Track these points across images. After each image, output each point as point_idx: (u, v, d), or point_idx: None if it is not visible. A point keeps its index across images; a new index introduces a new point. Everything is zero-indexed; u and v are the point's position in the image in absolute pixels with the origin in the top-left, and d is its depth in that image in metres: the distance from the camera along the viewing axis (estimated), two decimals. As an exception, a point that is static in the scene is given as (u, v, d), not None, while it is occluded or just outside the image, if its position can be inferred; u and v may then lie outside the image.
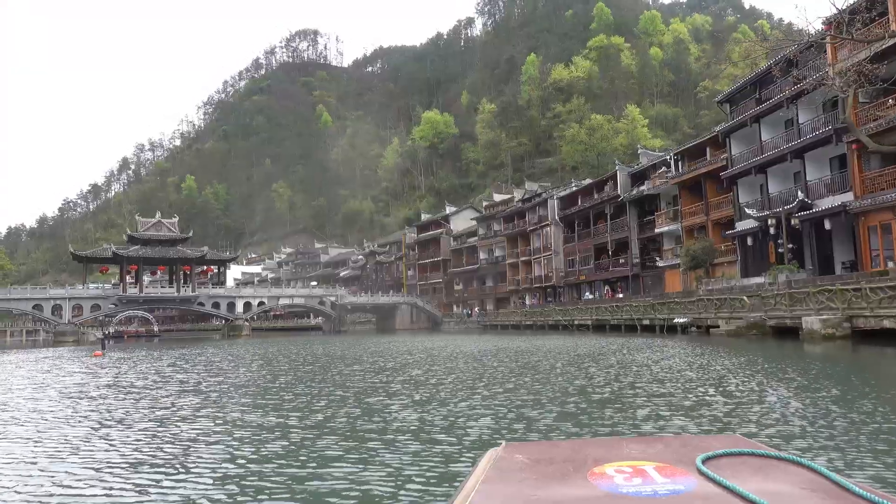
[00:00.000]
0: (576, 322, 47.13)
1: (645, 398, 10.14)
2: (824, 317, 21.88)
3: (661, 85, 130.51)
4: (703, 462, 1.41)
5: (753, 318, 27.11)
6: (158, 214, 71.16)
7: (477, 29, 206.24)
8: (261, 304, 71.16)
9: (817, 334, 21.73)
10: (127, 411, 10.48)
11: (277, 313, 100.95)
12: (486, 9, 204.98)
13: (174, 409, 10.70)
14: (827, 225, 28.99)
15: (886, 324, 19.90)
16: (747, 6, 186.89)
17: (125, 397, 12.54)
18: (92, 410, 10.78)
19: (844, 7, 21.25)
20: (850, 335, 21.40)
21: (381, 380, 14.36)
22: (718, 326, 28.83)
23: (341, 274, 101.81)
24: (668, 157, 44.06)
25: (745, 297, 28.43)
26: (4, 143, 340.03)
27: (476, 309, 69.77)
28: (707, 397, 10.11)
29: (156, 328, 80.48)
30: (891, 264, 22.76)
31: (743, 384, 11.61)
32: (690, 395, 10.31)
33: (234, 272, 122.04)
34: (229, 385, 14.42)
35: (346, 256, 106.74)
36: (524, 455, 1.57)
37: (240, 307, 68.42)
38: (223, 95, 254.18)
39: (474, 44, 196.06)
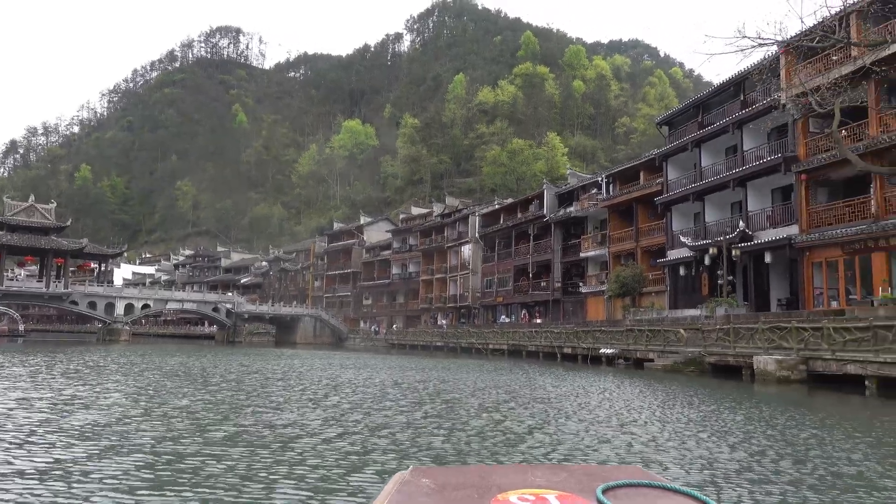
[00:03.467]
0: (491, 346, 44.13)
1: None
2: (779, 357, 19.54)
3: (581, 117, 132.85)
4: (603, 492, 1.40)
5: (691, 354, 24.72)
6: (32, 198, 62.88)
7: (405, 45, 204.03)
8: (145, 307, 64.03)
9: (771, 376, 19.35)
10: None
11: (168, 318, 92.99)
12: (415, 27, 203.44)
13: None
14: (767, 258, 27.23)
15: (850, 369, 17.68)
16: (662, 54, 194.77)
17: None
18: None
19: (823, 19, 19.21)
20: (806, 378, 19.14)
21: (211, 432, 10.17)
22: (653, 360, 26.31)
23: (242, 280, 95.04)
24: (599, 179, 42.09)
25: (681, 330, 26.08)
26: None
27: (394, 326, 65.66)
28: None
29: (21, 327, 71.61)
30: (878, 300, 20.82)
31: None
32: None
33: (124, 272, 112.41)
34: None
35: (250, 262, 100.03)
36: (431, 480, 1.55)
37: (120, 309, 61.13)
38: (131, 85, 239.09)
39: (401, 59, 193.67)
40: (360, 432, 9.30)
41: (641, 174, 38.34)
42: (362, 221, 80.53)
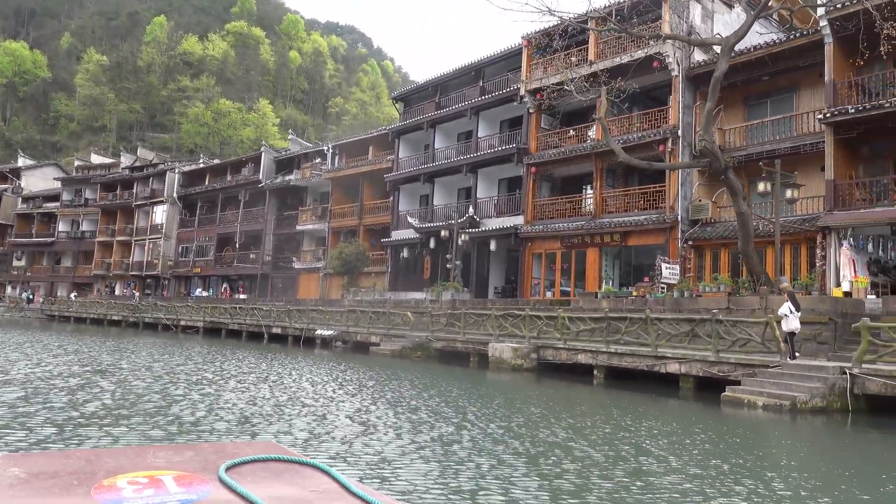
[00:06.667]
0: (183, 323, 38.46)
1: None
2: (515, 345, 19.21)
3: (295, 90, 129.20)
4: (227, 469, 1.36)
5: (418, 338, 23.58)
6: None
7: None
8: None
9: (506, 363, 18.89)
10: None
11: None
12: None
13: None
14: (493, 246, 27.58)
15: (581, 358, 17.95)
16: (376, 46, 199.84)
17: None
18: None
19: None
20: (537, 367, 19.10)
21: None
22: (378, 344, 24.60)
23: None
24: (325, 149, 39.36)
25: (408, 314, 24.85)
26: None
27: (72, 295, 53.84)
28: None
29: None
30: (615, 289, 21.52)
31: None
32: None
33: None
34: None
35: None
36: (22, 468, 1.33)
37: None
38: None
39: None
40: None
41: (371, 149, 36.68)
42: (21, 164, 65.49)
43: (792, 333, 13.55)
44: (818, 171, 20.23)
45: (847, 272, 18.12)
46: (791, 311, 13.65)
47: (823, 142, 19.60)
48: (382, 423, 8.50)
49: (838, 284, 18.15)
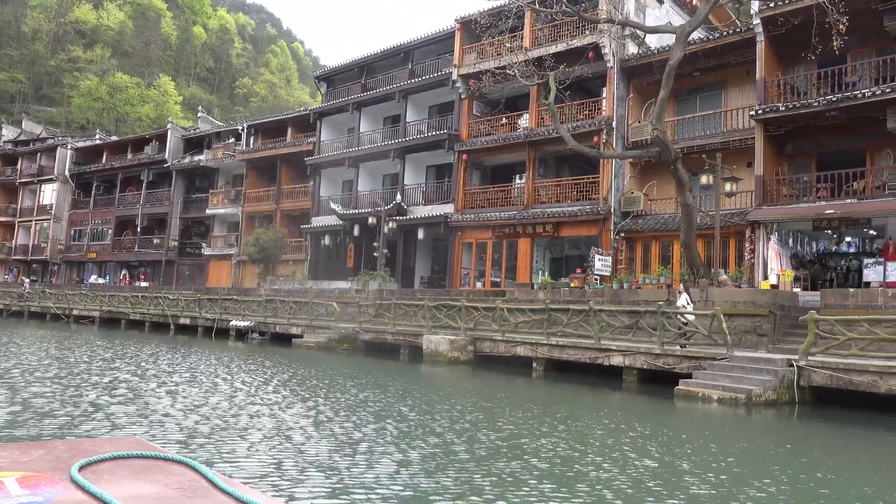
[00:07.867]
0: (75, 312, 35.28)
1: None
2: (452, 337, 18.47)
3: (199, 68, 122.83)
4: (80, 468, 1.27)
5: (345, 330, 22.43)
6: None
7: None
8: None
9: (443, 356, 18.14)
10: None
11: None
12: None
13: None
14: (420, 234, 26.75)
15: (520, 351, 17.46)
16: (285, 27, 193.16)
17: None
18: None
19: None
20: (474, 360, 18.47)
21: None
22: (301, 336, 23.20)
23: None
24: (240, 129, 37.00)
25: (334, 304, 23.61)
26: None
27: None
28: None
29: None
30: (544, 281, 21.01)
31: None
32: None
33: None
34: None
35: None
36: None
37: None
38: None
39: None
40: None
41: (290, 130, 34.79)
42: None
43: (686, 324, 14.49)
44: (745, 166, 20.67)
45: (774, 265, 18.60)
46: (688, 303, 14.76)
47: (751, 138, 20.04)
48: (357, 437, 7.34)
49: (766, 277, 18.59)
